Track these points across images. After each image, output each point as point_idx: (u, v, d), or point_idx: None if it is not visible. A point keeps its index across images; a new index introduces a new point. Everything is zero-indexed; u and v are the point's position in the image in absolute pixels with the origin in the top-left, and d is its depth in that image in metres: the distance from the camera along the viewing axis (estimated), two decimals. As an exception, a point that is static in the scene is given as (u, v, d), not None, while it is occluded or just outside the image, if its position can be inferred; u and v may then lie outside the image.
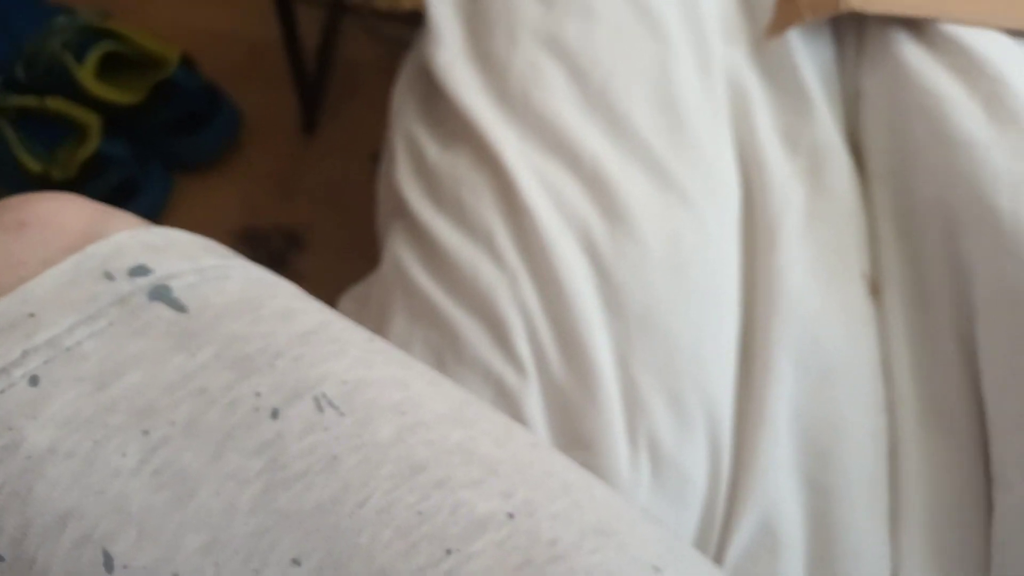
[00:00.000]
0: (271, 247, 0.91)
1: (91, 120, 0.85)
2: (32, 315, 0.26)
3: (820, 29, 0.50)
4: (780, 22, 0.47)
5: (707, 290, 0.42)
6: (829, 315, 0.42)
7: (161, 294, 0.27)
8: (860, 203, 0.46)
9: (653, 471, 0.40)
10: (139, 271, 0.28)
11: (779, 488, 0.40)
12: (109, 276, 0.28)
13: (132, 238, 0.29)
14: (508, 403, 0.40)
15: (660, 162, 0.43)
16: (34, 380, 0.25)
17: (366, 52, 1.01)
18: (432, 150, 0.46)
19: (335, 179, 0.94)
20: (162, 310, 0.27)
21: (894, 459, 0.41)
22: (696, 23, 0.48)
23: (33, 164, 0.86)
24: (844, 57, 0.50)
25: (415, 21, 0.99)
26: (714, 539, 0.40)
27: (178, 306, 0.27)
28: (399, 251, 0.45)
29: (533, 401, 0.40)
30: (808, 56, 0.48)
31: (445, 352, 0.42)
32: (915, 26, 0.47)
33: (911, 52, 0.46)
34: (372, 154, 0.95)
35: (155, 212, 0.90)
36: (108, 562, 0.24)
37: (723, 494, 0.40)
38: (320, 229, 0.92)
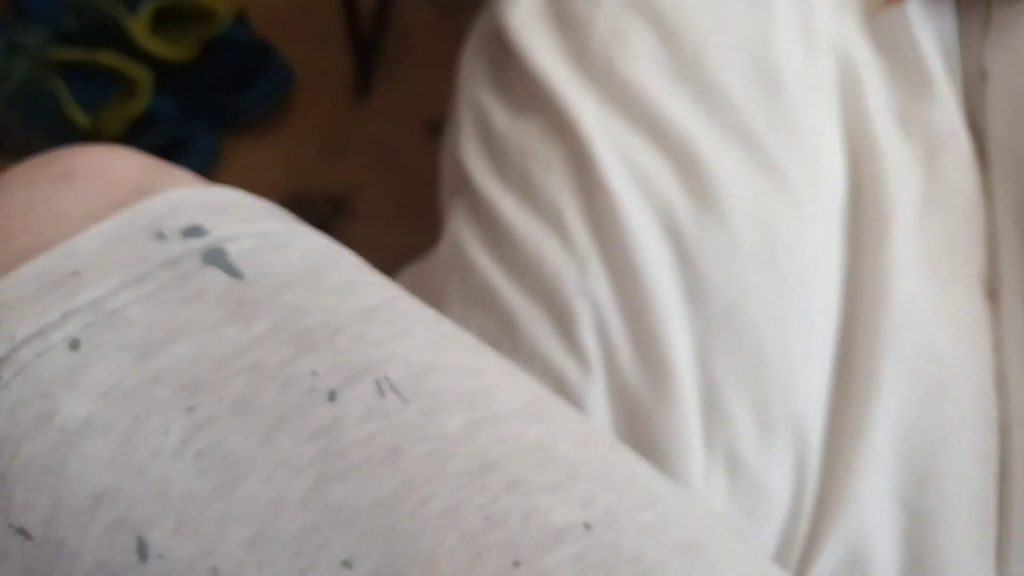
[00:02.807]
0: (317, 213, 0.89)
1: (142, 76, 0.83)
2: (75, 273, 0.25)
3: None
4: (901, -15, 0.42)
5: (803, 287, 0.38)
6: (941, 320, 0.38)
7: (216, 258, 0.26)
8: (979, 196, 0.42)
9: (730, 483, 0.37)
10: (193, 232, 0.26)
11: (872, 510, 0.36)
12: (161, 236, 0.26)
13: (188, 196, 0.27)
14: (568, 400, 0.37)
15: (757, 140, 0.39)
16: (74, 344, 0.24)
17: (422, 14, 0.98)
18: (500, 119, 0.43)
19: (386, 143, 0.92)
20: (216, 275, 0.25)
21: (1004, 484, 0.37)
22: None
23: (82, 119, 0.84)
24: (968, 31, 0.45)
25: (474, -18, 0.96)
26: (794, 562, 0.37)
27: (234, 272, 0.25)
28: (458, 228, 0.42)
29: (597, 399, 0.37)
30: (928, 28, 0.44)
31: (502, 341, 0.39)
32: (1053, -2, 0.42)
33: None
34: (426, 120, 0.92)
35: (201, 172, 0.88)
36: (142, 550, 0.22)
37: (807, 513, 0.37)
38: (368, 195, 0.90)
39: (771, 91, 0.40)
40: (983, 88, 0.43)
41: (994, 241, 0.41)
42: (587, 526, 0.23)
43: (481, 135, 0.43)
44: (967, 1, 0.45)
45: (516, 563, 0.22)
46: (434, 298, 0.42)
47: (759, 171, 0.39)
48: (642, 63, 0.40)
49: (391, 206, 0.89)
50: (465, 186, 0.43)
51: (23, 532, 0.23)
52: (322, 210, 0.89)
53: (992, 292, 0.40)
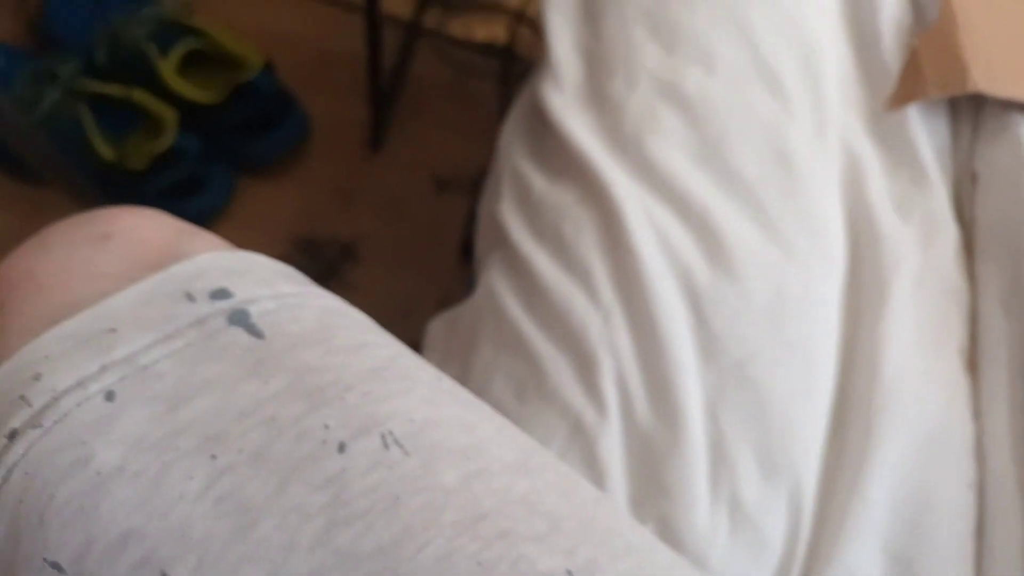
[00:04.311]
0: (325, 256, 0.92)
1: (169, 115, 0.86)
2: (112, 330, 0.27)
3: (937, 105, 0.50)
4: (903, 95, 0.48)
5: (806, 347, 0.42)
6: (929, 387, 0.42)
7: (240, 319, 0.27)
8: (964, 280, 0.46)
9: (731, 527, 0.40)
10: (220, 294, 0.28)
11: (861, 557, 0.39)
12: (190, 297, 0.28)
13: (214, 260, 0.29)
14: (582, 441, 0.40)
15: (769, 216, 0.44)
16: (110, 396, 0.25)
17: (437, 75, 1.02)
18: (539, 184, 0.46)
19: (394, 195, 0.95)
20: (239, 335, 0.27)
21: (980, 539, 0.40)
22: (815, 85, 0.48)
23: (107, 151, 0.87)
24: (959, 135, 0.50)
25: (487, 51, 1.01)
26: (786, 604, 0.40)
27: (256, 332, 0.27)
28: (494, 279, 0.45)
29: (611, 442, 0.40)
30: (924, 130, 0.49)
31: (527, 383, 0.41)
32: (1035, 111, 0.48)
33: None
34: (434, 175, 0.96)
35: (215, 211, 0.91)
36: None
37: (800, 559, 0.40)
38: (374, 242, 0.92)
39: (784, 173, 0.45)
40: (973, 187, 0.48)
41: (975, 320, 0.45)
42: (569, 573, 0.24)
43: (520, 197, 0.47)
44: (959, 110, 0.51)
45: None
46: (467, 341, 0.45)
47: (771, 242, 0.43)
48: (669, 143, 0.44)
49: (396, 253, 0.92)
50: (502, 242, 0.46)
51: (56, 566, 0.24)
52: (330, 253, 0.91)
53: (972, 365, 0.44)
